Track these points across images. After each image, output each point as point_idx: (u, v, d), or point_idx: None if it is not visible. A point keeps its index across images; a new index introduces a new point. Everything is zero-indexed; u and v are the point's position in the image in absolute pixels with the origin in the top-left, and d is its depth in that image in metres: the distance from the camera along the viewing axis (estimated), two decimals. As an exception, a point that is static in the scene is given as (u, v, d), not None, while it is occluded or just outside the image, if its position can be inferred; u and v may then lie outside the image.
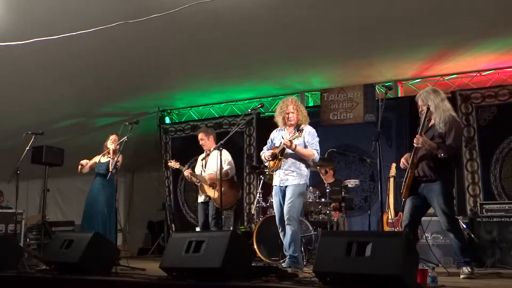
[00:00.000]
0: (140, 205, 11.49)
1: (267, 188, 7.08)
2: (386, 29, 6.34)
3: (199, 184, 6.68)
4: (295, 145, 5.32)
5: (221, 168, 5.83)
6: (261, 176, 7.38)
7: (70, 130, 9.65)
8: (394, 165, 6.58)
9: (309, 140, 5.46)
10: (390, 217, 6.20)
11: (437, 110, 4.82)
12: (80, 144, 9.79)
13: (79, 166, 7.12)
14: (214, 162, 6.55)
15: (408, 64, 7.55)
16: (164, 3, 5.38)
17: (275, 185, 5.57)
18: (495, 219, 6.29)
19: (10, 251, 5.65)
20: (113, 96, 8.64)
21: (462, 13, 5.84)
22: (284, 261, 5.49)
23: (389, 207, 6.27)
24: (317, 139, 5.53)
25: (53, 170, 7.80)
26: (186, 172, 6.69)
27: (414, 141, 4.77)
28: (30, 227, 8.54)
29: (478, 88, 7.55)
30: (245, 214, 8.78)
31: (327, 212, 6.70)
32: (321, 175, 7.29)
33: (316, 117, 8.02)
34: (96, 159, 7.22)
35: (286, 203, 5.36)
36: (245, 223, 8.55)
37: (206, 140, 6.77)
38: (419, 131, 4.81)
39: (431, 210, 5.05)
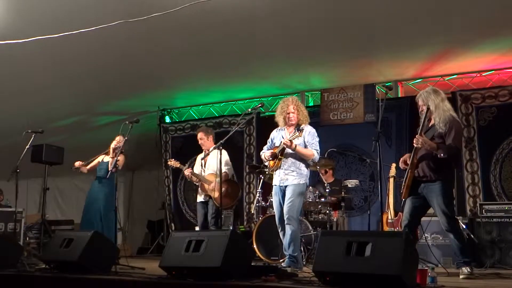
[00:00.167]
0: (140, 204, 11.48)
1: (267, 188, 7.08)
2: (387, 29, 6.34)
3: (199, 184, 6.68)
4: (295, 145, 5.32)
5: (221, 168, 5.83)
6: (261, 176, 7.38)
7: (70, 129, 9.65)
8: (394, 165, 6.58)
9: (309, 140, 5.46)
10: (389, 217, 6.20)
11: (437, 110, 4.82)
12: (80, 142, 9.78)
13: (73, 167, 7.13)
14: (214, 161, 6.55)
15: (408, 64, 7.55)
16: (164, 3, 5.38)
17: (275, 185, 5.57)
18: (494, 220, 6.29)
19: (9, 250, 5.66)
20: (113, 95, 8.64)
21: (462, 13, 5.84)
22: (283, 261, 5.49)
23: (388, 207, 6.26)
24: (317, 139, 5.53)
25: (53, 169, 7.80)
26: (187, 172, 6.69)
27: (414, 141, 4.76)
28: (30, 226, 8.56)
29: (478, 88, 7.55)
30: (245, 213, 8.78)
31: (327, 212, 6.70)
32: (320, 175, 7.29)
33: (316, 117, 8.03)
34: (99, 158, 7.22)
35: (286, 202, 5.36)
36: (245, 223, 8.55)
37: (205, 139, 6.77)
38: (419, 131, 4.81)
39: (430, 210, 5.04)
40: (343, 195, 7.01)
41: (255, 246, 6.57)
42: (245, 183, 8.86)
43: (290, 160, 5.45)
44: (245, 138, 9.07)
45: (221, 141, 5.66)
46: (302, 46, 6.85)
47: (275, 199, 5.57)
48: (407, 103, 7.81)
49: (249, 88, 8.80)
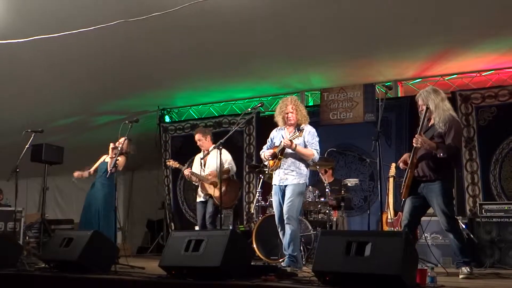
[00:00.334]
0: (140, 203, 11.49)
1: (267, 187, 7.09)
2: (387, 29, 6.35)
3: (199, 183, 6.68)
4: (295, 145, 5.33)
5: (221, 167, 5.83)
6: (260, 175, 7.38)
7: (70, 128, 9.65)
8: (393, 165, 6.58)
9: (309, 140, 5.46)
10: (389, 217, 6.20)
11: (437, 110, 4.82)
12: (80, 142, 9.79)
13: (74, 179, 7.13)
14: (214, 161, 6.55)
15: (408, 64, 7.55)
16: (164, 2, 5.38)
17: (275, 184, 5.57)
18: (494, 220, 6.29)
19: (9, 249, 5.66)
20: (113, 95, 8.64)
21: (462, 13, 5.84)
22: (283, 260, 5.49)
23: (388, 207, 6.27)
24: (317, 138, 5.53)
25: (53, 168, 7.79)
26: (186, 171, 6.69)
27: (414, 141, 4.76)
28: (30, 225, 8.56)
29: (478, 88, 7.55)
30: (245, 213, 8.78)
31: (327, 211, 6.70)
32: (320, 174, 7.29)
33: (316, 116, 8.04)
34: (101, 159, 7.22)
35: (285, 202, 5.36)
36: (245, 222, 8.55)
37: (203, 140, 6.77)
38: (419, 130, 4.81)
39: (430, 210, 5.04)
40: (343, 194, 7.01)
41: (254, 245, 6.57)
42: (244, 183, 8.86)
43: (290, 159, 5.46)
44: (244, 137, 9.07)
45: (221, 141, 5.66)
46: (302, 46, 6.85)
47: (274, 198, 5.58)
48: (407, 102, 7.81)
49: (249, 88, 8.80)
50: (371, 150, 5.53)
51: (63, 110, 8.92)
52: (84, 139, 9.97)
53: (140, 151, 9.65)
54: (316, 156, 5.47)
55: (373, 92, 8.10)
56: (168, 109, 10.05)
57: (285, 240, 5.36)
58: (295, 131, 5.34)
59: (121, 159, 6.69)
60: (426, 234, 6.06)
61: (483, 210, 6.45)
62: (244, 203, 8.79)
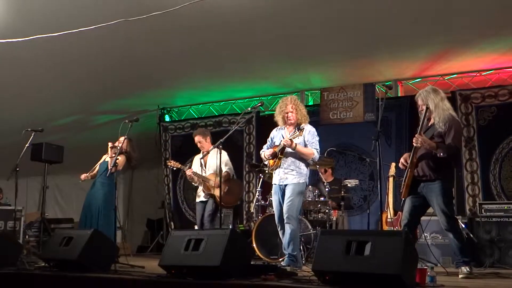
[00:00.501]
0: (139, 203, 11.48)
1: (267, 187, 7.09)
2: (386, 29, 6.34)
3: (201, 184, 6.67)
4: (295, 144, 5.33)
5: (221, 167, 5.83)
6: (260, 175, 7.38)
7: (70, 128, 9.65)
8: (393, 164, 6.59)
9: (309, 139, 5.47)
10: (389, 216, 6.20)
11: (436, 109, 4.82)
12: (80, 141, 9.79)
13: (81, 181, 7.14)
14: (214, 161, 6.55)
15: (408, 64, 7.55)
16: (164, 2, 5.38)
17: (275, 184, 5.57)
18: (494, 219, 6.29)
19: (9, 248, 5.65)
20: (113, 94, 8.64)
21: (463, 13, 5.84)
22: (283, 260, 5.49)
23: (388, 206, 6.27)
24: (317, 138, 5.54)
25: (53, 167, 7.79)
26: (188, 172, 6.68)
27: (414, 141, 4.76)
28: (29, 224, 8.56)
29: (478, 88, 7.55)
30: (244, 212, 8.78)
31: (326, 211, 6.70)
32: (320, 174, 7.29)
33: (316, 116, 8.04)
34: (102, 159, 7.22)
35: (285, 201, 5.37)
36: (244, 222, 8.55)
37: (203, 142, 6.78)
38: (419, 130, 4.81)
39: (430, 210, 5.05)
40: (342, 194, 7.01)
41: (254, 245, 6.57)
42: (244, 182, 8.86)
43: (290, 159, 5.46)
44: (244, 137, 9.07)
45: (221, 140, 5.66)
46: (302, 45, 6.85)
47: (274, 198, 5.58)
48: (407, 102, 7.81)
49: (249, 87, 8.80)
50: (371, 150, 5.53)
51: (63, 110, 8.92)
52: (84, 138, 9.97)
53: (140, 150, 9.68)
54: (316, 155, 5.47)
55: (373, 91, 8.10)
56: (168, 109, 10.05)
57: (285, 239, 5.37)
58: (295, 131, 5.35)
59: (121, 158, 6.69)
60: (425, 234, 6.06)
61: (482, 210, 6.45)
62: (244, 203, 8.79)
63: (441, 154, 4.66)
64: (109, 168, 6.45)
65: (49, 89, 7.98)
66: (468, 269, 4.66)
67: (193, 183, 6.87)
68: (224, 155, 6.54)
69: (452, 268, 5.11)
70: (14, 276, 4.99)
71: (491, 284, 4.39)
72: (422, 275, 3.85)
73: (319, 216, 6.83)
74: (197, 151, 6.95)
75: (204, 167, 6.72)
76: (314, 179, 7.48)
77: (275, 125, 5.79)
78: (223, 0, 5.61)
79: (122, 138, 6.84)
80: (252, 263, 4.75)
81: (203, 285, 4.03)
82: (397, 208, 6.43)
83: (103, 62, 7.19)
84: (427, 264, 4.81)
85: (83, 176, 7.07)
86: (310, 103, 8.88)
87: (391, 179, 6.58)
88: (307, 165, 5.54)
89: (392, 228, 6.13)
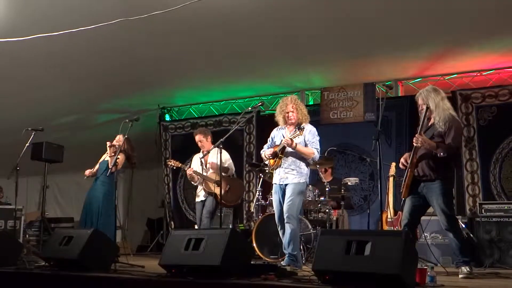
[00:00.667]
0: (140, 202, 11.47)
1: (267, 186, 7.09)
2: (387, 28, 6.34)
3: (202, 183, 6.67)
4: (296, 144, 5.33)
5: (221, 166, 5.83)
6: (260, 174, 7.38)
7: (70, 127, 9.65)
8: (393, 164, 6.58)
9: (309, 139, 5.47)
10: (389, 216, 6.20)
11: (437, 109, 4.82)
12: (80, 140, 9.79)
13: (85, 177, 7.13)
14: (215, 160, 6.55)
15: (408, 64, 7.55)
16: (165, 1, 5.37)
17: (275, 183, 5.57)
18: (494, 219, 6.29)
19: (9, 247, 5.66)
20: (113, 93, 8.64)
21: (463, 13, 5.84)
22: (283, 259, 5.49)
23: (388, 206, 6.27)
24: (318, 137, 5.53)
25: (53, 166, 7.80)
26: (189, 171, 6.68)
27: (414, 140, 4.76)
28: (30, 223, 8.56)
29: (478, 88, 7.54)
30: (244, 212, 8.78)
31: (327, 210, 6.70)
32: (320, 173, 7.29)
33: (316, 115, 8.03)
34: (102, 158, 7.22)
35: (286, 201, 5.37)
36: (244, 221, 8.55)
37: (204, 141, 6.78)
38: (419, 130, 4.81)
39: (430, 210, 5.05)
40: (342, 193, 7.01)
41: (254, 244, 6.57)
42: (245, 182, 8.86)
43: (291, 158, 5.46)
44: (245, 136, 9.07)
45: (221, 140, 5.66)
46: (302, 45, 6.85)
47: (275, 197, 5.58)
48: (407, 102, 7.81)
49: (249, 87, 8.80)
50: (371, 149, 5.53)
51: (63, 109, 8.92)
52: (85, 137, 9.97)
53: (140, 150, 9.68)
54: (317, 155, 5.47)
55: (374, 91, 8.10)
56: (169, 108, 10.05)
57: (285, 239, 5.37)
58: (295, 130, 5.35)
59: (120, 157, 6.69)
60: (426, 234, 6.05)
61: (483, 210, 6.45)
62: (244, 202, 8.79)
63: (441, 154, 4.66)
64: (110, 167, 6.45)
65: (50, 88, 7.98)
66: (468, 269, 4.66)
67: (192, 182, 6.87)
68: (225, 154, 6.55)
69: (452, 268, 5.10)
70: (14, 275, 4.99)
71: (490, 284, 4.40)
72: (422, 275, 3.85)
73: (319, 216, 6.83)
74: (198, 150, 6.95)
75: (205, 167, 6.72)
76: (314, 179, 7.49)
77: (275, 124, 5.79)
78: (223, 0, 5.60)
79: (119, 137, 6.84)
80: (252, 262, 4.75)
81: (203, 285, 4.03)
82: (397, 208, 6.43)
83: (103, 62, 7.19)
84: (427, 264, 4.80)
85: (87, 172, 7.06)
86: (311, 102, 8.87)
87: (391, 179, 6.58)
88: (308, 164, 5.54)
89: (392, 228, 6.14)
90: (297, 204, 5.35)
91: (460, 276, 4.63)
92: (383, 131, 7.09)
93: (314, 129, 5.57)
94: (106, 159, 7.01)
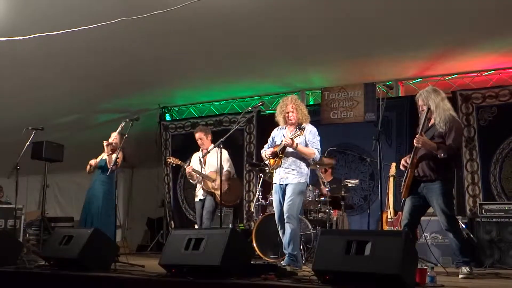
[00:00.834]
0: (140, 201, 11.48)
1: (267, 186, 7.09)
2: (387, 28, 6.34)
3: (201, 181, 6.67)
4: (296, 144, 5.33)
5: (221, 166, 5.83)
6: (260, 174, 7.38)
7: (71, 126, 9.65)
8: (394, 164, 6.59)
9: (310, 139, 5.47)
10: (389, 216, 6.20)
11: (437, 110, 4.82)
12: (81, 140, 9.79)
13: (88, 167, 7.10)
14: (215, 160, 6.54)
15: (409, 64, 7.55)
16: (165, 1, 5.37)
17: (275, 183, 5.57)
18: (494, 220, 6.29)
19: (9, 247, 5.66)
20: (113, 93, 8.64)
21: (463, 13, 5.84)
22: (283, 259, 5.49)
23: (388, 206, 6.27)
24: (318, 138, 5.53)
25: (53, 165, 7.80)
26: (188, 169, 6.68)
27: (415, 141, 4.76)
28: (30, 223, 8.56)
29: (478, 88, 7.54)
30: (245, 212, 8.78)
31: (327, 210, 6.70)
32: (320, 173, 7.29)
33: (316, 115, 8.03)
34: (100, 157, 7.21)
35: (286, 201, 5.37)
36: (244, 221, 8.55)
37: (204, 139, 6.77)
38: (419, 130, 4.81)
39: (430, 210, 5.05)
40: (342, 194, 7.01)
41: (254, 244, 6.57)
42: (245, 182, 8.86)
43: (291, 158, 5.46)
44: (245, 136, 9.07)
45: (221, 139, 5.66)
46: (302, 45, 6.85)
47: (275, 197, 5.58)
48: (407, 102, 7.80)
49: (250, 87, 8.80)
50: (371, 150, 5.52)
51: (63, 108, 8.93)
52: (85, 137, 9.96)
53: (141, 149, 9.69)
54: (317, 155, 5.47)
55: (374, 91, 8.10)
56: (169, 107, 10.05)
57: (285, 239, 5.37)
58: (296, 130, 5.35)
59: (120, 156, 6.69)
60: (426, 234, 6.06)
61: (483, 210, 6.45)
62: (244, 202, 8.79)
63: (442, 155, 4.66)
64: (110, 166, 6.45)
65: (50, 88, 7.98)
66: (468, 269, 4.66)
67: (191, 181, 6.86)
68: (225, 153, 6.55)
69: (452, 268, 5.11)
70: (14, 275, 4.99)
71: (491, 285, 4.40)
72: (422, 275, 3.85)
73: (319, 216, 6.83)
74: (198, 149, 6.94)
75: (203, 165, 6.72)
76: (314, 179, 7.49)
77: (275, 124, 5.79)
78: (223, 0, 5.60)
79: (113, 134, 6.84)
80: (252, 262, 4.75)
81: (203, 285, 4.03)
82: (397, 208, 6.43)
83: (103, 61, 7.19)
84: (427, 264, 4.80)
85: (92, 162, 7.04)
86: (311, 102, 8.87)
87: (391, 179, 6.58)
88: (308, 164, 5.54)
89: (392, 228, 6.14)
90: (297, 204, 5.35)
91: (460, 276, 4.63)
92: (383, 131, 7.09)
93: (314, 129, 5.57)
94: (104, 158, 7.01)
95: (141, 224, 11.29)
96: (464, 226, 6.21)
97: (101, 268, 4.85)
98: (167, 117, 10.10)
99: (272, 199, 6.16)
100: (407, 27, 6.30)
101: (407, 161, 4.89)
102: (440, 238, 6.31)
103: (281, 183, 5.48)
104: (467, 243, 5.12)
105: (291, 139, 5.29)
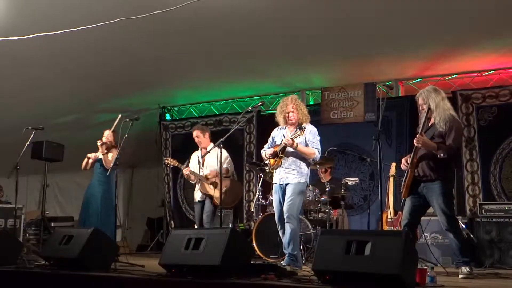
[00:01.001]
0: (140, 201, 11.48)
1: (267, 186, 7.09)
2: (387, 28, 6.34)
3: (198, 182, 6.67)
4: (297, 144, 5.33)
5: (221, 167, 5.83)
6: (260, 174, 7.38)
7: (71, 126, 9.65)
8: (394, 164, 6.59)
9: (310, 139, 5.47)
10: (389, 216, 6.20)
11: (437, 109, 4.82)
12: (81, 139, 9.76)
13: (86, 159, 7.07)
14: (213, 160, 6.54)
15: (409, 64, 7.55)
16: (165, 1, 5.37)
17: (275, 183, 5.57)
18: (494, 220, 6.29)
19: (9, 246, 5.66)
20: (113, 92, 8.63)
21: (463, 13, 5.84)
22: (283, 259, 5.49)
23: (388, 206, 6.27)
24: (318, 137, 5.54)
25: (53, 165, 7.80)
26: (186, 171, 6.69)
27: (415, 141, 4.77)
28: (30, 222, 8.56)
29: (478, 88, 7.54)
30: (245, 211, 8.78)
31: (327, 210, 6.70)
32: (320, 173, 7.29)
33: (316, 115, 8.02)
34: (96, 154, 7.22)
35: (286, 201, 5.37)
36: (244, 221, 8.55)
37: (201, 137, 6.76)
38: (419, 130, 4.82)
39: (430, 210, 5.05)
40: (342, 192, 7.01)
41: (254, 244, 6.57)
42: (245, 181, 8.86)
43: (291, 158, 5.46)
44: (245, 136, 9.07)
45: (221, 139, 5.66)
46: (302, 45, 6.85)
47: (275, 197, 5.58)
48: (407, 102, 7.80)
49: (250, 86, 8.79)
50: (371, 149, 5.53)
51: (63, 108, 8.92)
52: (85, 137, 9.92)
53: (141, 149, 9.70)
54: (317, 155, 5.47)
55: (374, 91, 8.09)
56: (169, 107, 10.05)
57: (285, 239, 5.37)
58: (296, 130, 5.35)
59: (113, 153, 6.68)
60: (426, 234, 6.06)
61: (483, 210, 6.45)
62: (244, 202, 8.79)
63: (442, 155, 4.66)
64: (110, 166, 6.45)
65: (50, 88, 7.98)
66: (468, 269, 4.67)
67: (190, 181, 6.87)
68: (224, 152, 6.55)
69: (452, 268, 5.11)
70: (14, 275, 4.99)
71: (490, 285, 4.40)
72: (422, 275, 3.86)
73: (319, 216, 6.83)
74: (197, 149, 6.94)
75: (202, 166, 6.72)
76: (314, 179, 7.49)
77: (275, 124, 5.79)
78: (223, 0, 5.60)
79: (107, 132, 6.84)
80: (252, 262, 4.75)
81: (203, 284, 4.03)
82: (397, 208, 6.43)
83: (103, 61, 7.19)
84: (427, 264, 4.81)
85: (93, 156, 7.02)
86: (311, 102, 8.87)
87: (391, 179, 6.58)
88: (308, 164, 5.54)
89: (392, 228, 6.14)
90: (297, 204, 5.35)
91: (460, 276, 4.63)
92: (383, 131, 7.10)
93: (314, 129, 5.57)
94: (99, 157, 7.00)
95: (141, 224, 11.29)
96: (464, 226, 6.20)
97: (101, 268, 4.85)
98: (167, 117, 10.10)
99: (272, 199, 6.16)
100: (407, 27, 6.30)
101: (408, 161, 4.89)
102: (440, 238, 6.31)
103: (281, 183, 5.48)
104: (467, 243, 5.12)
105: (291, 139, 5.30)
